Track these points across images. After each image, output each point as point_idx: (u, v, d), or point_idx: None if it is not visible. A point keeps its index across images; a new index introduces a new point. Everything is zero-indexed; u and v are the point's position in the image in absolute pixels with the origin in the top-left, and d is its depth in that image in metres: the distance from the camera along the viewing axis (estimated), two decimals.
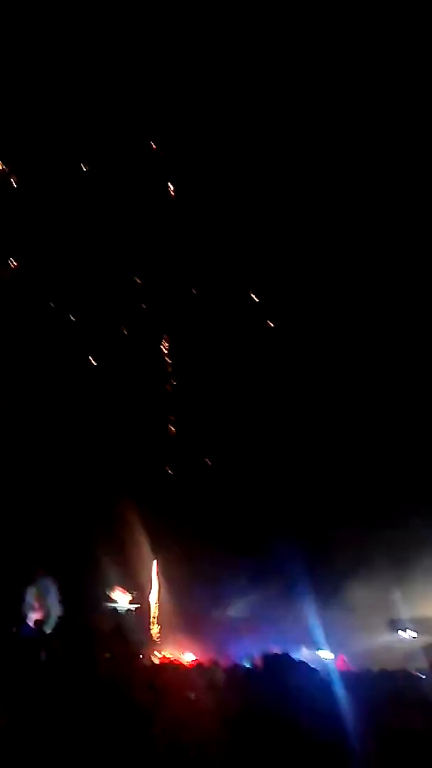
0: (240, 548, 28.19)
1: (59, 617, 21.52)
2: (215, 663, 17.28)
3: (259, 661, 16.31)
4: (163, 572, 30.32)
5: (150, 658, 22.76)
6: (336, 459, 29.68)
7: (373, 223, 28.45)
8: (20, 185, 27.30)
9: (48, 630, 17.08)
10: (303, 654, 22.74)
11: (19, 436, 26.69)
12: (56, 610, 23.64)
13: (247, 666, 18.17)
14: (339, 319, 29.66)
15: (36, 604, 24.01)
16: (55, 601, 24.52)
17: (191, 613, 28.71)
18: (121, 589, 27.98)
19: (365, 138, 27.34)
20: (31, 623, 17.78)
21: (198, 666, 17.25)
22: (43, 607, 23.69)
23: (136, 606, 28.94)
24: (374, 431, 29.56)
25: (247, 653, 22.08)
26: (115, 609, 27.72)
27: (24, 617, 21.58)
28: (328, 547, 29.10)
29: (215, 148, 27.86)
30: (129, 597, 28.80)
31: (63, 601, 24.63)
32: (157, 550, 29.71)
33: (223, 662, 17.89)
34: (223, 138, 27.66)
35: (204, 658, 22.91)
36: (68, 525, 26.90)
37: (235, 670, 15.91)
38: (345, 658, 23.63)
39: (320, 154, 27.77)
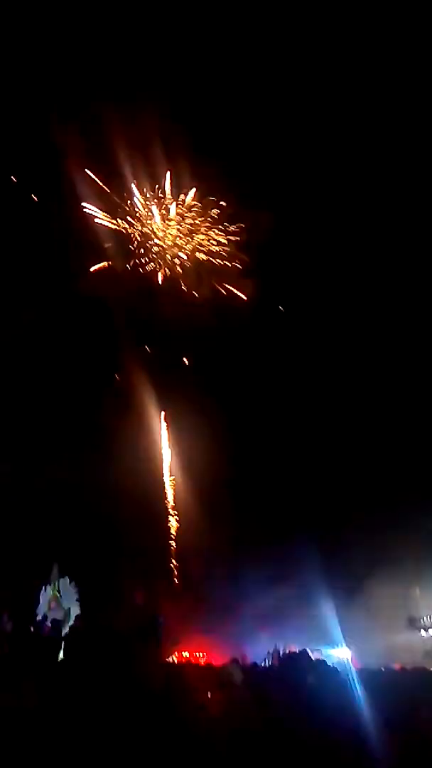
0: (259, 545, 28.17)
1: (77, 617, 21.49)
2: (235, 661, 17.28)
3: (276, 660, 16.33)
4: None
5: (170, 657, 22.79)
6: (357, 458, 29.59)
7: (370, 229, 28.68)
8: None
9: (65, 630, 17.06)
10: (322, 652, 22.67)
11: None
12: (75, 610, 23.65)
13: (266, 665, 18.16)
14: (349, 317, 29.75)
15: (53, 604, 24.06)
16: (74, 600, 24.58)
17: (210, 610, 28.72)
18: (140, 590, 27.99)
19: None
20: (48, 623, 17.73)
21: (216, 666, 17.24)
22: (61, 606, 23.75)
23: (155, 606, 28.95)
24: (394, 430, 29.46)
25: (266, 651, 22.09)
26: (134, 609, 27.71)
27: (39, 616, 21.58)
28: (347, 545, 28.99)
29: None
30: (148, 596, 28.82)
31: (82, 600, 24.73)
32: None
33: (242, 660, 17.85)
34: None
35: (222, 657, 22.98)
36: (88, 524, 27.08)
37: (254, 668, 15.91)
38: (353, 655, 23.58)
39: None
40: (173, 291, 33.58)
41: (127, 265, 33.63)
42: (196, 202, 33.57)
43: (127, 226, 33.90)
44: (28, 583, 24.00)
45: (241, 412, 29.96)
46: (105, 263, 33.28)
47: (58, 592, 24.97)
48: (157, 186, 33.61)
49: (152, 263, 34.20)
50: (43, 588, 24.40)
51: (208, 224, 33.79)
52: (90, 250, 32.81)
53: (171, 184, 33.28)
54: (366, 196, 28.42)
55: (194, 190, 33.11)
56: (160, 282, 34.09)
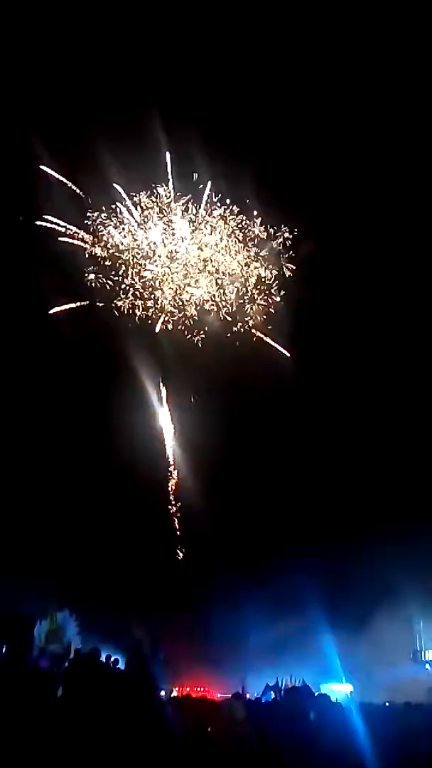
0: (261, 579, 27.96)
1: (76, 651, 21.21)
2: (236, 696, 17.05)
3: (279, 694, 16.13)
4: None
5: (170, 691, 22.50)
6: (360, 492, 29.47)
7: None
8: None
9: (65, 664, 16.87)
10: (323, 687, 22.40)
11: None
12: (76, 643, 23.35)
13: (267, 699, 17.91)
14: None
15: (51, 637, 23.72)
16: (75, 634, 24.32)
17: (211, 644, 28.42)
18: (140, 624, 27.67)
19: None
20: (45, 657, 17.47)
21: (218, 701, 17.01)
22: (62, 640, 23.46)
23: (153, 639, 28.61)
24: (398, 464, 29.43)
25: (268, 686, 21.83)
26: (134, 643, 27.38)
27: (36, 650, 21.27)
28: (350, 579, 28.75)
29: None
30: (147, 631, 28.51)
31: (82, 634, 24.49)
32: None
33: (243, 694, 17.64)
34: None
35: (221, 690, 22.72)
36: (87, 556, 26.95)
37: (256, 703, 15.71)
38: (356, 689, 23.30)
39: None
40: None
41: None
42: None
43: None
44: (24, 616, 23.67)
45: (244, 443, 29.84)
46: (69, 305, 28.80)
47: (57, 624, 24.65)
48: (154, 188, 29.38)
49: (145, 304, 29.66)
50: (39, 621, 23.94)
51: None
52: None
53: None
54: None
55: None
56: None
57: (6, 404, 26.88)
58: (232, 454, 29.40)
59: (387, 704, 17.51)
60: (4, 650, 16.53)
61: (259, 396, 29.00)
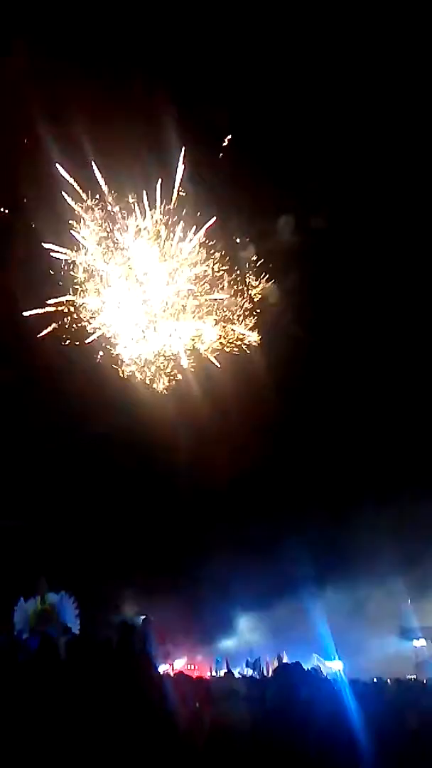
0: (251, 555, 28.16)
1: (74, 634, 21.27)
2: (230, 673, 17.35)
3: (257, 671, 16.36)
4: None
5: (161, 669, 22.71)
6: (351, 460, 29.67)
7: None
8: None
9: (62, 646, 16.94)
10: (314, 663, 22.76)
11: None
12: (75, 626, 23.29)
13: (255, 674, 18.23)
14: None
15: (43, 618, 23.59)
16: (73, 616, 24.21)
17: (199, 620, 28.69)
18: (130, 603, 27.83)
19: None
20: (33, 637, 17.41)
21: (209, 678, 17.27)
22: (55, 621, 23.44)
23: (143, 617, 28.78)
24: (393, 438, 29.64)
25: (248, 661, 22.17)
26: (124, 621, 27.49)
27: (24, 631, 21.22)
28: (339, 555, 29.07)
29: None
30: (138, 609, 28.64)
31: (81, 616, 24.42)
32: None
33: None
34: None
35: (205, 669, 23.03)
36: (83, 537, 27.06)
37: (250, 680, 15.97)
38: (345, 666, 23.64)
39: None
40: None
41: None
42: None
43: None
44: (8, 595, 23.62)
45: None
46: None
47: (48, 605, 24.52)
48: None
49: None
50: (23, 601, 23.70)
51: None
52: None
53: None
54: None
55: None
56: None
57: None
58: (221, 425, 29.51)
59: (375, 680, 17.83)
60: None
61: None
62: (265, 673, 21.12)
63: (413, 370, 29.91)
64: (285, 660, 20.97)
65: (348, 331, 30.17)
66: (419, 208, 28.41)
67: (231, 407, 29.02)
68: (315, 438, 30.03)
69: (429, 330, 29.61)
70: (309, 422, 29.97)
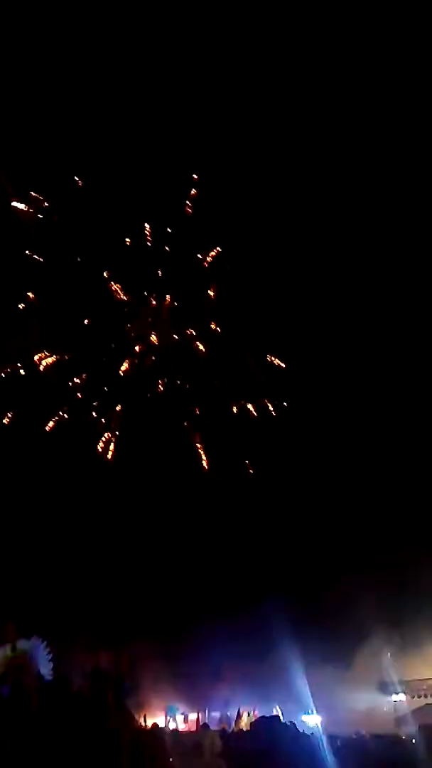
0: (231, 610, 27.75)
1: (47, 681, 20.61)
2: (206, 726, 17.00)
3: (248, 723, 16.05)
4: None
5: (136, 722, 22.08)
6: (330, 525, 29.57)
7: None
8: None
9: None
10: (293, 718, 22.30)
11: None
12: (47, 672, 22.56)
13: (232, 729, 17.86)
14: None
15: (14, 666, 22.85)
16: (46, 662, 23.53)
17: (179, 674, 28.12)
18: (105, 653, 27.09)
19: None
20: (7, 686, 16.78)
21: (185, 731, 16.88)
22: (26, 669, 22.74)
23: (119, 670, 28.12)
24: (370, 491, 29.67)
25: (230, 714, 21.75)
26: (97, 670, 26.81)
27: None
28: (320, 612, 28.73)
29: None
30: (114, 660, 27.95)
31: (53, 662, 23.77)
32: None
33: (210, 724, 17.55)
34: None
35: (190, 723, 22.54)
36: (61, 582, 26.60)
37: (227, 734, 15.63)
38: (324, 720, 23.26)
39: None
40: None
41: None
42: None
43: None
44: None
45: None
46: None
47: (20, 652, 23.78)
48: None
49: None
50: None
51: None
52: None
53: None
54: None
55: None
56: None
57: None
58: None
59: (354, 735, 17.54)
60: None
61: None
62: (241, 726, 20.69)
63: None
64: (256, 714, 20.62)
65: None
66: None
67: None
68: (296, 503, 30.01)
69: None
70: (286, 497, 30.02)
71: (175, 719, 25.22)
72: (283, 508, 29.38)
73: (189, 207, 29.38)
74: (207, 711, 24.14)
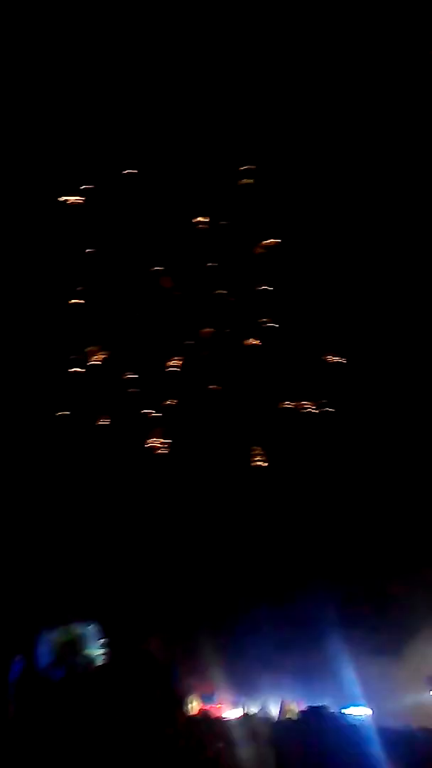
0: (282, 601, 27.75)
1: (99, 664, 21.04)
2: (251, 714, 17.13)
3: (296, 713, 16.13)
4: None
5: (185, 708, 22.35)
6: (385, 504, 29.24)
7: None
8: None
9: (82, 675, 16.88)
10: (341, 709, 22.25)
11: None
12: (99, 657, 23.00)
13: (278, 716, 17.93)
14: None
15: (68, 649, 23.34)
16: (98, 647, 23.97)
17: (230, 663, 28.30)
18: (156, 640, 27.43)
19: None
20: (61, 669, 17.23)
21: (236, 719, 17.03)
22: (80, 652, 23.21)
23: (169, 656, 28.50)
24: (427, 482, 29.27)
25: (274, 704, 21.80)
26: (151, 657, 27.19)
27: (48, 661, 21.02)
28: (371, 604, 28.50)
29: None
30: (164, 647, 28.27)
31: (106, 646, 24.19)
32: None
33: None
34: None
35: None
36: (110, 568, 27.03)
37: (277, 722, 15.76)
38: (373, 713, 23.06)
39: None
40: None
41: None
42: None
43: None
44: (33, 627, 23.47)
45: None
46: None
47: (74, 636, 24.27)
48: None
49: None
50: (49, 632, 23.53)
51: None
52: None
53: None
54: None
55: None
56: None
57: None
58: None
59: (403, 728, 17.41)
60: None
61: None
62: (287, 716, 20.72)
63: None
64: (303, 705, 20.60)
65: None
66: None
67: None
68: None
69: None
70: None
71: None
72: (336, 496, 29.22)
73: (242, 197, 29.31)
74: (250, 700, 24.18)
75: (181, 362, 29.73)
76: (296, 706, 20.42)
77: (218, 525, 29.18)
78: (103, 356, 29.24)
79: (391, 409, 29.42)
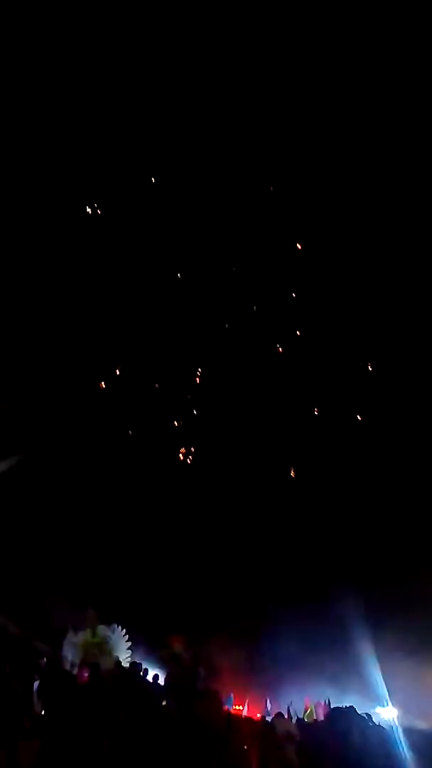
0: (305, 600, 27.63)
1: (117, 664, 21.16)
2: (280, 715, 17.03)
3: (321, 714, 15.99)
4: None
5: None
6: (413, 502, 29.03)
7: None
8: None
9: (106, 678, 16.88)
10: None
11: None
12: (125, 659, 23.10)
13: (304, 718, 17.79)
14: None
15: (93, 650, 23.43)
16: (124, 649, 24.08)
17: (254, 664, 28.23)
18: (180, 640, 27.46)
19: None
20: (86, 670, 17.30)
21: (264, 720, 16.91)
22: (107, 653, 23.33)
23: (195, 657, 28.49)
24: None
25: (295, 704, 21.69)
26: (175, 660, 27.17)
27: (72, 663, 21.16)
28: (397, 600, 28.27)
29: None
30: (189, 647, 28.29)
31: (132, 648, 24.32)
32: None
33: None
34: None
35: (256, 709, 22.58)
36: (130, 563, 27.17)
37: (302, 723, 15.64)
38: (400, 714, 22.84)
39: None
40: None
41: None
42: None
43: None
44: (54, 627, 23.64)
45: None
46: None
47: (100, 638, 24.35)
48: None
49: None
50: (74, 633, 23.67)
51: None
52: None
53: None
54: None
55: None
56: None
57: None
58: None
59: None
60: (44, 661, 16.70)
61: None
62: (311, 716, 20.59)
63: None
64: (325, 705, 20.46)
65: None
66: None
67: None
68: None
69: None
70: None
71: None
72: (362, 496, 29.10)
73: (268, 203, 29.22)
74: (275, 700, 24.11)
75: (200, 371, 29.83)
76: (322, 707, 20.29)
77: (242, 526, 29.26)
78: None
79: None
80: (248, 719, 17.72)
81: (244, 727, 13.49)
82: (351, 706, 13.07)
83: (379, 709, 24.07)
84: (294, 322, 30.58)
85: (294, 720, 16.75)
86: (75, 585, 25.32)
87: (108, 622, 24.56)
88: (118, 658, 22.67)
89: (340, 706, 14.62)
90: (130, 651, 24.08)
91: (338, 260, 29.66)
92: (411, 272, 28.84)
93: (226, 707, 19.93)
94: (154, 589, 27.44)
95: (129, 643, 24.30)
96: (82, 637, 23.58)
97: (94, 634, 23.88)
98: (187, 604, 27.68)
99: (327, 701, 20.48)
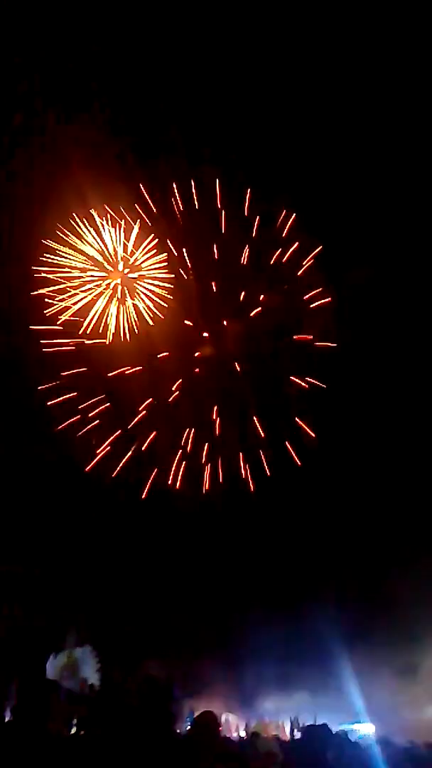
0: (277, 613, 27.43)
1: (90, 687, 20.93)
2: (255, 735, 16.76)
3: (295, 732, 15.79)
4: None
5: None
6: (393, 508, 28.95)
7: None
8: None
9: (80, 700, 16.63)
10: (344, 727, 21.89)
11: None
12: (94, 679, 22.91)
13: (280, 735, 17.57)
14: None
15: (66, 672, 23.22)
16: (93, 671, 23.90)
17: (227, 681, 28.02)
18: (154, 661, 27.19)
19: None
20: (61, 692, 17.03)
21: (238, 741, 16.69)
22: (77, 675, 23.10)
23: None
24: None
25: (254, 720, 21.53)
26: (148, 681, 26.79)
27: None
28: (374, 615, 28.22)
29: None
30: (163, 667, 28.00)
31: (101, 671, 24.10)
32: None
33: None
34: None
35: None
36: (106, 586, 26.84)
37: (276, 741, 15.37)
38: (377, 729, 22.73)
39: None
40: None
41: None
42: None
43: None
44: (38, 650, 23.35)
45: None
46: None
47: (74, 659, 24.21)
48: None
49: None
50: (53, 655, 23.53)
51: None
52: None
53: None
54: None
55: None
56: None
57: None
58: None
59: (409, 744, 17.06)
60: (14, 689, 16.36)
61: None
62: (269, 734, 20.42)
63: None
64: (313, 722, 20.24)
65: None
66: None
67: None
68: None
69: None
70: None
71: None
72: (336, 511, 28.96)
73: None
74: (252, 718, 23.92)
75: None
76: (291, 725, 20.12)
77: (220, 539, 29.01)
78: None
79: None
80: (227, 739, 17.47)
81: (224, 748, 13.20)
82: (324, 724, 12.86)
83: (356, 726, 23.96)
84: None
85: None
86: (49, 606, 25.03)
87: (82, 644, 24.40)
88: (86, 679, 22.48)
89: (314, 723, 14.40)
90: (99, 673, 23.91)
91: None
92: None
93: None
94: (130, 609, 27.14)
95: (99, 665, 24.14)
96: (61, 659, 23.49)
97: (69, 656, 23.78)
98: (163, 625, 27.43)
99: (295, 719, 20.34)
